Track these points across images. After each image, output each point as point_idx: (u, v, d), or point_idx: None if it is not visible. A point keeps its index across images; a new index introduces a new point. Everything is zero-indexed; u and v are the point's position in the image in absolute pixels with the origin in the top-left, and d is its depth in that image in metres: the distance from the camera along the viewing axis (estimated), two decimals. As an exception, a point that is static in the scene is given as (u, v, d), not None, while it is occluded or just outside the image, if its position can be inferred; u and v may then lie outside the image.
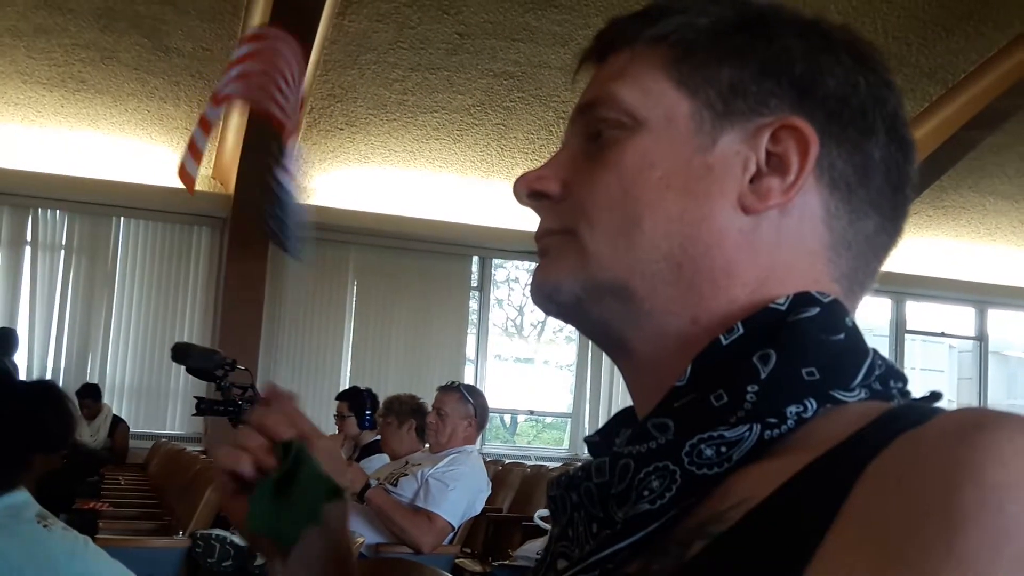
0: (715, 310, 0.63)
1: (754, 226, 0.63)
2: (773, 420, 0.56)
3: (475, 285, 10.61)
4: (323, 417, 7.65)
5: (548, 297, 0.66)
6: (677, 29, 0.66)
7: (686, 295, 0.63)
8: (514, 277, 11.56)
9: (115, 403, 9.02)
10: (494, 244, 10.19)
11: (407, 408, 4.26)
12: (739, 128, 0.64)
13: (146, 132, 9.07)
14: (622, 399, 9.39)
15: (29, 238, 9.29)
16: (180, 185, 9.23)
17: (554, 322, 6.65)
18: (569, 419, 11.02)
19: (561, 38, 8.29)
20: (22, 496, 1.35)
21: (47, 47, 8.05)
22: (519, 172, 0.70)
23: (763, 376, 0.57)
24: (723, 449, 0.55)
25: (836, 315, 0.61)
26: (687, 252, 0.63)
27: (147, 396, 9.39)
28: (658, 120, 0.65)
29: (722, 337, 0.61)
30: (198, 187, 9.37)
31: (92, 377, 9.04)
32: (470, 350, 10.56)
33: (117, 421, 8.64)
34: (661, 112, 0.65)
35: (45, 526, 1.36)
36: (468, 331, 10.55)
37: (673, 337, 0.63)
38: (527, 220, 0.69)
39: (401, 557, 3.37)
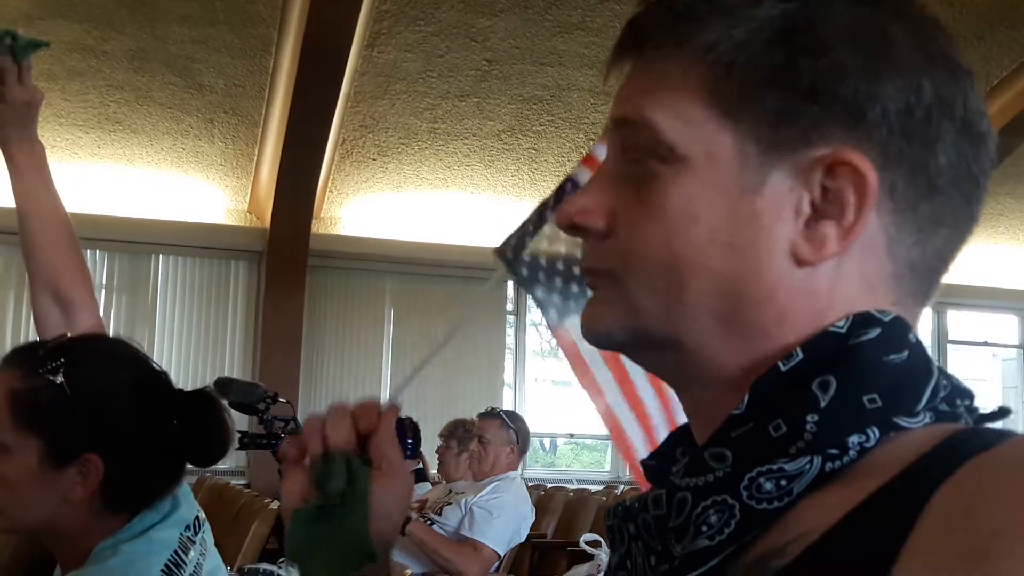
0: (770, 351, 0.60)
1: (809, 276, 0.59)
2: (834, 452, 0.54)
3: (511, 309, 10.61)
4: (364, 446, 7.67)
5: (598, 340, 0.65)
6: (718, 41, 0.59)
7: (738, 344, 0.60)
8: (550, 300, 11.54)
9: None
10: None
11: (471, 435, 4.21)
12: (788, 163, 0.59)
13: (181, 169, 9.18)
14: (663, 419, 9.31)
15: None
16: (216, 220, 9.37)
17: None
18: (609, 441, 10.96)
19: (589, 60, 8.31)
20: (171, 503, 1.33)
21: (82, 89, 8.19)
22: (551, 195, 0.68)
23: (823, 405, 0.55)
24: (783, 483, 0.54)
25: (899, 333, 0.59)
26: (737, 310, 0.59)
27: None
28: (699, 157, 0.59)
29: (781, 364, 0.58)
30: (234, 222, 9.49)
31: (135, 413, 9.12)
32: (508, 374, 10.55)
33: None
34: (702, 148, 0.59)
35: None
36: (505, 356, 10.54)
37: (727, 376, 0.61)
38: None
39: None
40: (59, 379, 1.22)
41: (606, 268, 0.63)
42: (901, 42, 0.59)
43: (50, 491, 1.22)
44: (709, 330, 0.60)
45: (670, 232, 0.59)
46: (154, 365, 1.37)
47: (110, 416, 1.25)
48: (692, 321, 0.60)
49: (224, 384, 3.37)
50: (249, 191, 9.51)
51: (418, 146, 9.19)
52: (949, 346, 11.78)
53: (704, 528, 0.54)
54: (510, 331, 10.63)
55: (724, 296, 0.59)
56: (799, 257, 0.59)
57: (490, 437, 3.87)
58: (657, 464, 0.67)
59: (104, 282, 9.50)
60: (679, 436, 0.67)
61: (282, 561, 3.49)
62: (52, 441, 1.22)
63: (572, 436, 11.40)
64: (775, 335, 0.59)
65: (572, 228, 0.64)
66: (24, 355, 1.29)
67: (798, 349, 0.59)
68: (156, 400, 1.30)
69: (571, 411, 11.11)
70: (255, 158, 9.14)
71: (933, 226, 0.61)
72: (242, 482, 8.04)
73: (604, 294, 0.64)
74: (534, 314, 11.32)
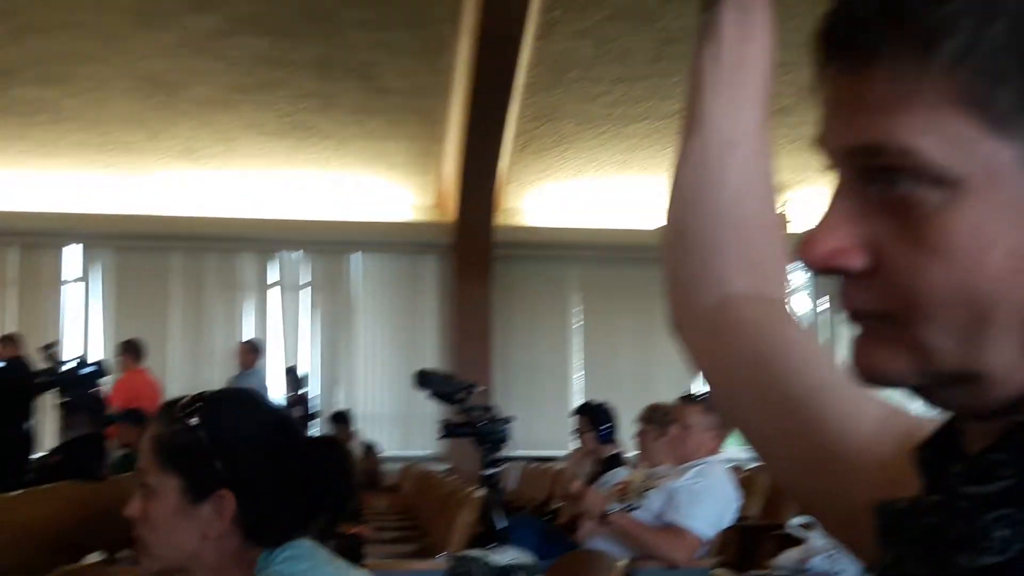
0: None
1: None
2: None
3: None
4: (559, 433, 7.77)
5: (880, 383, 0.58)
6: (975, 43, 0.51)
7: None
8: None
9: (365, 429, 9.44)
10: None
11: (669, 418, 4.18)
12: None
13: (370, 170, 9.51)
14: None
15: (275, 280, 9.93)
16: (405, 218, 9.62)
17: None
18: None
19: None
20: (306, 543, 1.41)
21: (271, 100, 8.59)
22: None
23: None
24: None
25: None
26: None
27: (394, 421, 9.80)
28: (979, 178, 0.52)
29: None
30: (422, 218, 9.77)
31: (341, 405, 9.52)
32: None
33: (368, 447, 9.05)
34: (980, 166, 0.52)
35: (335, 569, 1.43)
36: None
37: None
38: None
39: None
40: (193, 421, 1.37)
41: (881, 309, 0.56)
42: None
43: (190, 527, 1.35)
44: (1018, 358, 0.53)
45: (963, 267, 0.52)
46: (283, 412, 1.49)
47: (240, 455, 1.36)
48: (998, 355, 0.53)
49: (424, 377, 3.48)
50: (434, 187, 9.75)
51: (595, 131, 9.19)
52: None
53: (991, 543, 0.50)
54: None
55: None
56: None
57: (692, 421, 3.84)
58: (931, 455, 0.60)
59: (309, 281, 10.00)
60: (953, 426, 0.60)
61: (492, 546, 3.57)
62: (189, 478, 1.35)
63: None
64: None
65: (827, 270, 0.56)
66: (167, 406, 1.44)
67: None
68: (283, 442, 1.40)
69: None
70: (438, 155, 9.36)
71: None
72: (446, 468, 8.25)
73: (882, 336, 0.56)
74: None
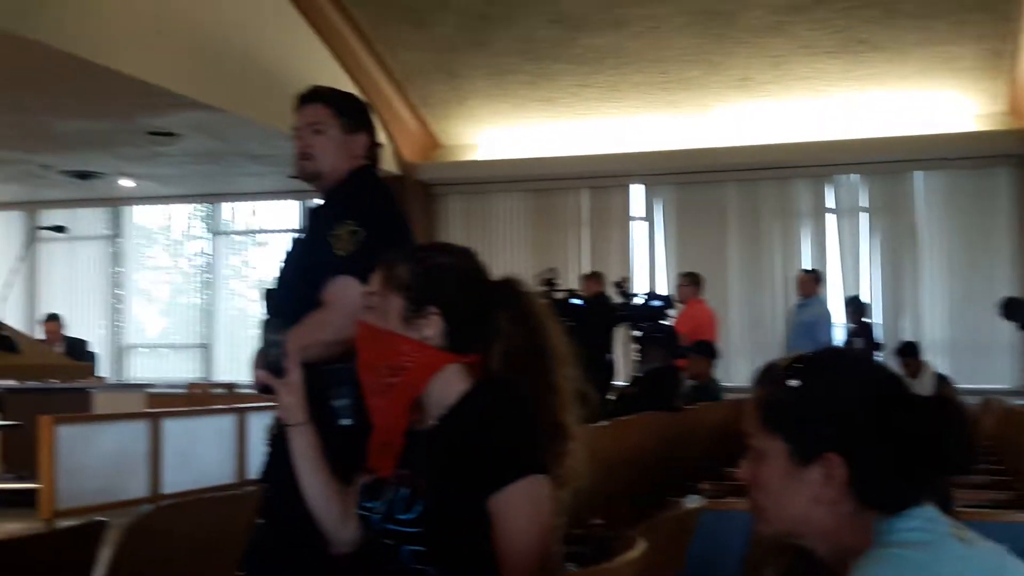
0: None
1: None
2: None
3: None
4: None
5: None
6: None
7: None
8: None
9: (934, 359, 8.90)
10: None
11: None
12: None
13: (931, 81, 8.82)
14: None
15: (831, 205, 9.67)
16: (971, 129, 8.88)
17: None
18: None
19: None
20: (929, 510, 1.30)
21: (826, 16, 8.25)
22: None
23: None
24: None
25: None
26: None
27: (965, 350, 9.14)
28: None
29: None
30: (990, 126, 8.86)
31: (906, 335, 9.05)
32: None
33: (940, 379, 8.51)
34: None
35: (961, 540, 1.29)
36: None
37: None
38: None
39: None
40: (794, 383, 1.33)
41: None
42: None
43: (801, 491, 1.32)
44: None
45: None
46: (889, 371, 1.40)
47: (844, 417, 1.31)
48: None
49: (1012, 305, 3.11)
50: (1006, 91, 8.78)
51: None
52: None
53: None
54: None
55: None
56: None
57: None
58: None
59: (863, 205, 9.61)
60: None
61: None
62: (794, 441, 1.33)
63: None
64: None
65: None
66: (766, 369, 1.41)
67: None
68: (890, 402, 1.32)
69: None
70: (1012, 55, 8.38)
71: None
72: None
73: None
74: None
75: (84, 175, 9.99)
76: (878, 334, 9.06)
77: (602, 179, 10.06)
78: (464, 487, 1.55)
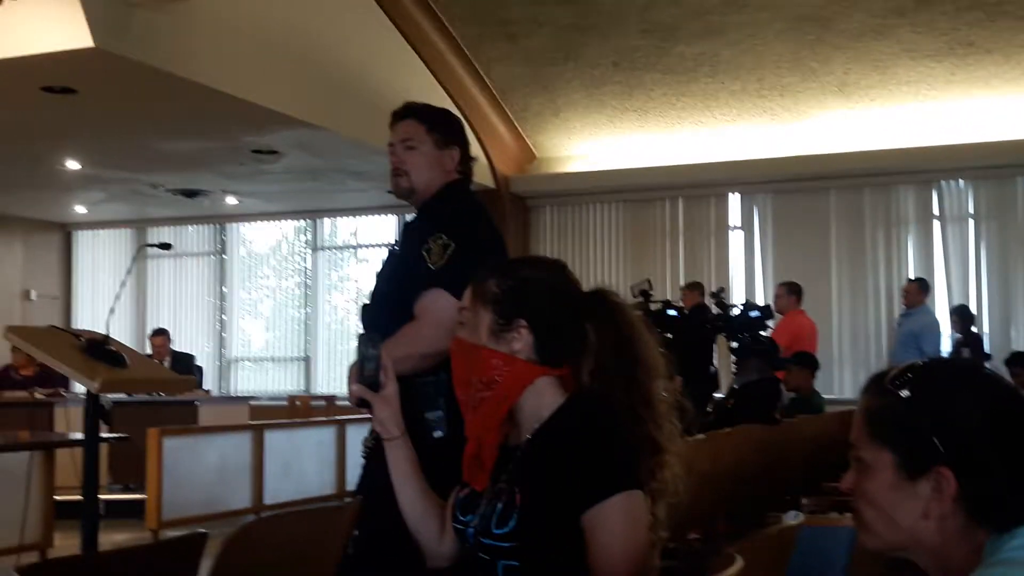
0: None
1: None
2: None
3: None
4: None
5: None
6: None
7: None
8: None
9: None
10: None
11: None
12: None
13: (1043, 81, 8.51)
14: None
15: (936, 212, 9.39)
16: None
17: None
18: None
19: None
20: None
21: (930, 18, 8.02)
22: None
23: None
24: None
25: None
26: None
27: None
28: None
29: None
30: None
31: (1017, 345, 8.72)
32: None
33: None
34: None
35: None
36: None
37: None
38: None
39: None
40: (904, 393, 1.29)
41: None
42: None
43: (909, 505, 1.28)
44: None
45: None
46: (1005, 382, 1.33)
47: (957, 430, 1.27)
48: None
49: None
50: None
51: None
52: None
53: None
54: None
55: None
56: None
57: None
58: None
59: (971, 211, 9.31)
60: None
61: None
62: (903, 453, 1.28)
63: None
64: None
65: None
66: (875, 379, 1.36)
67: None
68: (1008, 417, 1.28)
69: None
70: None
71: None
72: None
73: None
74: None
75: (190, 193, 10.29)
76: (986, 344, 8.75)
77: (697, 188, 9.95)
78: (558, 502, 1.54)
